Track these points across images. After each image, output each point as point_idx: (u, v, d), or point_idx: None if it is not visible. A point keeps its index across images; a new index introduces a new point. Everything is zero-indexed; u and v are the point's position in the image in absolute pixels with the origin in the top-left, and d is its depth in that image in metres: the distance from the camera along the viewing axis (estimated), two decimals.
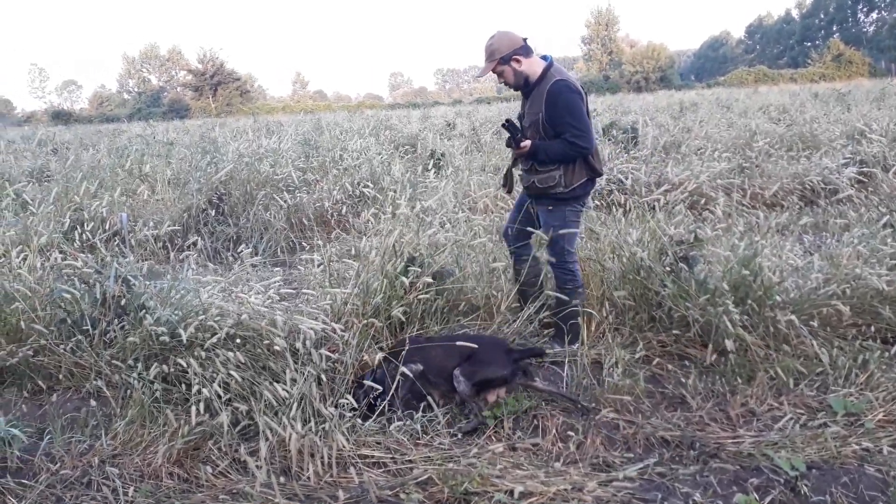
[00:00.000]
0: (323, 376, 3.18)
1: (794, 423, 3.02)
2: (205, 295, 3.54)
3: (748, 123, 10.78)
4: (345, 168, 8.11)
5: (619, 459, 2.88)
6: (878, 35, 75.10)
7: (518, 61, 3.76)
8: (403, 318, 3.59)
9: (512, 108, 22.97)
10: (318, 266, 4.00)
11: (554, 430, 3.03)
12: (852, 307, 3.61)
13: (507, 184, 4.10)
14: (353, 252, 4.12)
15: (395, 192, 7.47)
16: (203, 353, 3.16)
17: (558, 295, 3.75)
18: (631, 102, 24.61)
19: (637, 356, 3.43)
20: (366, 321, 3.49)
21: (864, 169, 7.33)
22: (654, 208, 4.77)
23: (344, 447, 2.87)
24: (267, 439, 2.83)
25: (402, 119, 19.08)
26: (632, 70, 67.29)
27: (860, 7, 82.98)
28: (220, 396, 2.97)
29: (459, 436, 3.07)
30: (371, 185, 7.28)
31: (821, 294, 3.66)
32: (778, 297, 3.59)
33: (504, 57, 3.74)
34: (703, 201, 6.58)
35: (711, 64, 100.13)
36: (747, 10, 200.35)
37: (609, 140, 10.63)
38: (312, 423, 2.92)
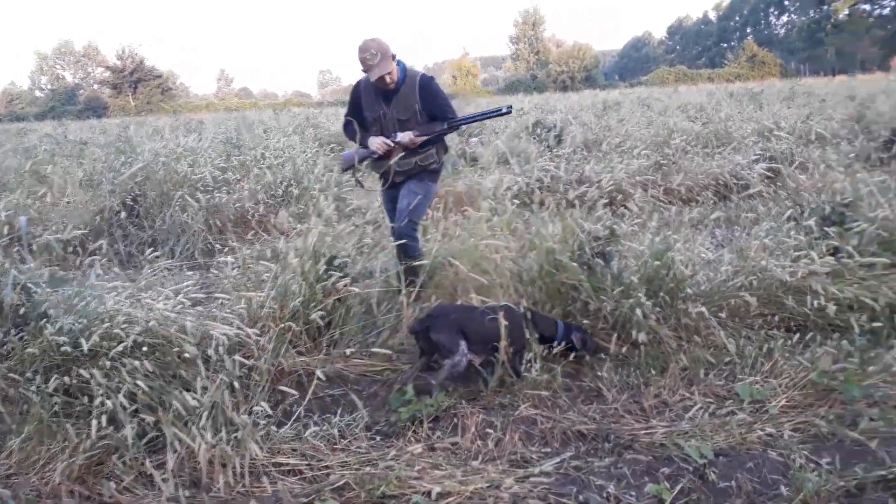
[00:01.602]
0: (236, 383, 3.07)
1: (703, 411, 3.11)
2: (110, 302, 3.38)
3: (666, 122, 11.11)
4: (267, 167, 7.93)
5: (536, 455, 2.90)
6: (789, 37, 79.02)
7: (395, 62, 4.18)
8: (321, 323, 3.51)
9: None
10: (233, 269, 3.88)
11: (473, 428, 3.02)
12: (759, 298, 3.75)
13: (386, 179, 4.44)
14: (271, 254, 4.00)
15: (318, 191, 7.40)
16: (108, 363, 3.01)
17: (413, 263, 4.17)
18: (557, 101, 25.04)
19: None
20: (283, 325, 3.41)
21: (773, 165, 7.67)
22: (573, 205, 4.86)
23: (257, 456, 2.78)
24: (175, 451, 2.71)
25: (329, 117, 18.83)
26: (558, 70, 68.63)
27: (772, 10, 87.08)
28: (124, 408, 2.83)
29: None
30: (294, 185, 7.15)
31: (730, 286, 3.80)
32: (689, 290, 3.71)
33: (392, 55, 4.12)
34: (620, 197, 6.74)
35: (634, 64, 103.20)
36: (668, 12, 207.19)
37: (534, 139, 10.79)
38: (224, 433, 2.82)
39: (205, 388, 2.94)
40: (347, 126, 4.43)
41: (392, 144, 4.25)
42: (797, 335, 3.59)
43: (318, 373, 3.08)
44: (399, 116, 4.27)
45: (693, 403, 3.19)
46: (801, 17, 78.54)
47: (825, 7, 70.61)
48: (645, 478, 2.70)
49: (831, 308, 3.53)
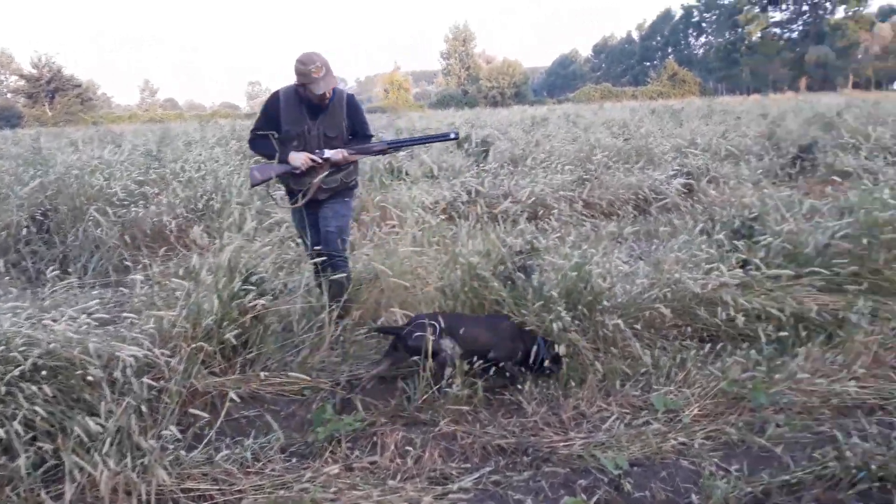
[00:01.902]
0: (144, 407, 2.94)
1: (619, 422, 3.16)
2: (7, 323, 3.18)
3: (589, 138, 11.39)
4: (187, 180, 7.69)
5: (456, 471, 2.88)
6: (707, 57, 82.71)
7: None
8: (235, 342, 3.40)
9: (368, 119, 22.96)
10: (142, 287, 3.72)
11: (393, 446, 2.98)
12: (673, 310, 3.85)
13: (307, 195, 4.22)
14: (185, 270, 3.86)
15: (240, 205, 7.22)
16: (2, 388, 2.82)
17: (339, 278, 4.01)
18: (487, 117, 25.31)
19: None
20: (195, 345, 3.28)
21: (688, 180, 7.96)
22: (497, 219, 4.90)
23: (165, 482, 2.66)
24: (74, 480, 2.56)
25: None
26: (488, 85, 69.55)
27: (691, 31, 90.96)
28: (19, 435, 2.65)
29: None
30: (215, 198, 6.96)
31: (645, 298, 3.89)
32: (606, 302, 3.77)
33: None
34: (541, 212, 6.85)
35: (562, 81, 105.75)
36: (594, 31, 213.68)
37: (463, 153, 10.87)
38: (129, 459, 2.68)
39: (110, 413, 2.80)
40: (260, 140, 4.18)
41: (321, 161, 4.11)
42: (709, 345, 3.71)
43: (232, 394, 2.98)
44: (327, 133, 4.15)
45: (610, 414, 3.24)
46: (717, 39, 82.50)
47: (739, 30, 74.37)
48: (562, 491, 2.72)
49: (740, 319, 3.66)
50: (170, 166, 8.20)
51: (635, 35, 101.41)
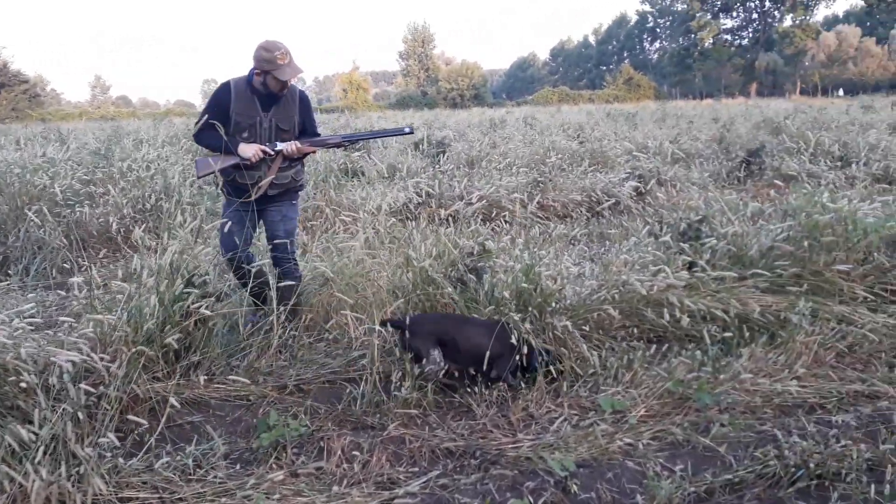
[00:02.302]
0: (81, 413, 2.84)
1: (567, 423, 3.17)
2: None
3: (544, 141, 11.48)
4: (136, 179, 7.49)
5: (403, 475, 2.85)
6: (661, 62, 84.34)
7: None
8: (177, 346, 3.31)
9: (327, 119, 22.80)
10: (82, 290, 3.60)
11: (339, 451, 2.93)
12: (621, 311, 3.89)
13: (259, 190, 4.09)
14: (126, 273, 3.74)
15: (192, 205, 7.06)
16: None
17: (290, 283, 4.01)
18: (446, 118, 25.38)
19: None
20: (136, 349, 3.18)
21: (638, 184, 8.08)
22: (450, 221, 4.89)
23: (101, 491, 2.57)
24: (4, 490, 2.46)
25: None
26: (448, 87, 69.69)
27: (645, 37, 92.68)
28: None
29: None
30: (165, 198, 6.80)
31: (594, 300, 3.92)
32: (556, 304, 3.79)
33: None
34: (494, 213, 6.87)
35: (521, 83, 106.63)
36: (551, 34, 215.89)
37: (420, 154, 10.85)
38: (64, 468, 2.58)
39: (45, 420, 2.70)
40: (207, 132, 3.99)
41: (272, 153, 4.02)
42: (655, 346, 3.75)
43: (173, 400, 2.89)
44: (280, 125, 4.07)
45: (558, 415, 3.25)
46: (671, 44, 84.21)
47: (692, 36, 76.04)
48: (509, 493, 2.71)
49: (685, 320, 3.71)
50: (117, 165, 7.97)
51: (592, 39, 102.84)
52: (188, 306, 3.37)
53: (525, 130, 15.39)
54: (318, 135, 4.28)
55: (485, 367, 3.39)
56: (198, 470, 2.82)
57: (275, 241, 4.12)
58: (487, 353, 3.36)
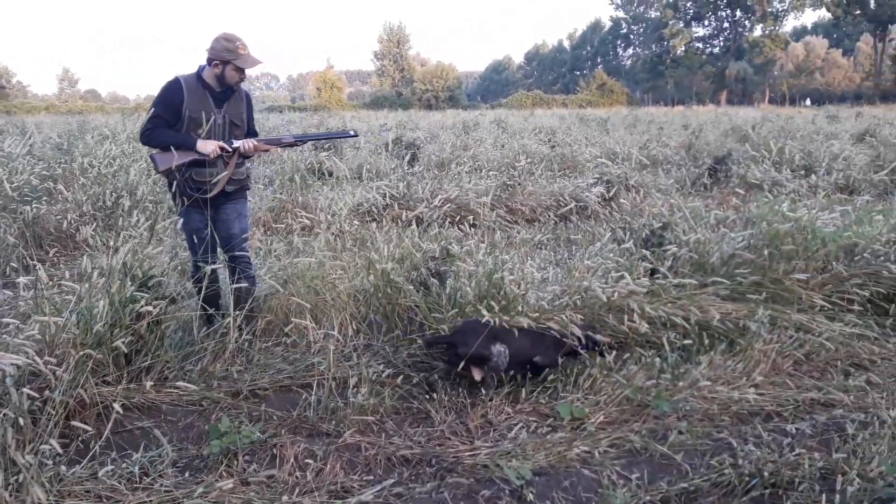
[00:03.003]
0: (23, 419, 2.73)
1: (525, 430, 3.14)
2: None
3: (514, 145, 11.50)
4: (96, 176, 7.32)
5: (358, 484, 2.79)
6: (634, 68, 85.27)
7: None
8: (126, 350, 3.20)
9: (299, 117, 22.59)
10: (29, 290, 3.48)
11: (292, 459, 2.87)
12: (584, 316, 3.87)
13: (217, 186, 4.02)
14: (77, 273, 3.63)
15: (153, 203, 6.93)
16: None
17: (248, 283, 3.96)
18: (421, 119, 25.33)
19: (384, 374, 3.38)
20: (84, 353, 3.08)
21: (602, 189, 8.11)
22: (415, 223, 4.85)
23: (41, 500, 2.47)
24: None
25: None
26: (423, 88, 69.56)
27: (619, 43, 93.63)
28: None
29: None
30: (126, 196, 6.65)
31: (556, 305, 3.90)
32: (520, 308, 3.77)
33: None
34: (458, 218, 6.83)
35: (496, 86, 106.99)
36: (526, 38, 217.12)
37: (392, 155, 10.79)
38: (1, 476, 2.49)
39: None
40: (160, 130, 3.86)
41: (230, 150, 3.96)
42: (616, 352, 3.75)
43: (117, 406, 2.80)
44: (233, 121, 4.05)
45: (517, 422, 3.22)
46: (644, 51, 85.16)
47: (665, 43, 77.02)
48: (464, 502, 2.68)
49: (643, 326, 3.71)
50: (78, 161, 7.78)
51: (566, 44, 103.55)
52: (140, 308, 3.26)
53: (497, 134, 15.40)
54: (257, 133, 4.27)
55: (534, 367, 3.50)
56: (144, 478, 2.73)
57: (232, 240, 4.06)
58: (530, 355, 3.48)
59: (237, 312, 3.74)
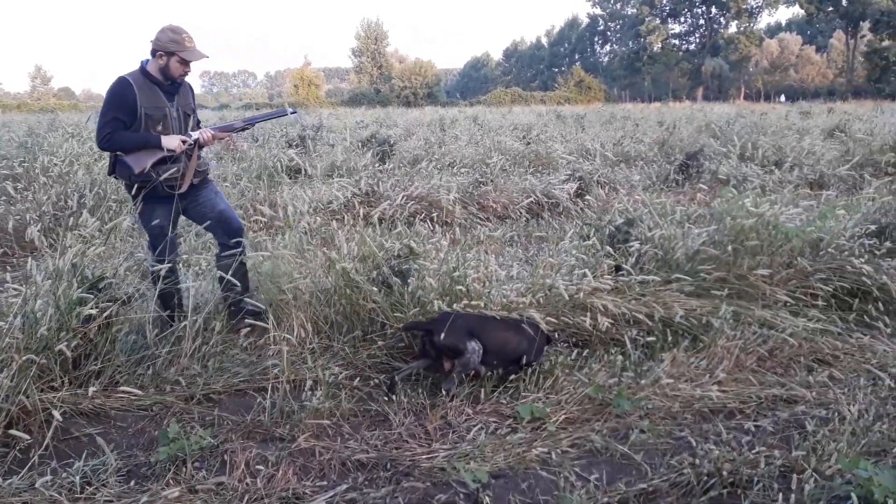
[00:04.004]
0: None
1: (485, 431, 3.08)
2: None
3: (486, 142, 11.45)
4: (58, 175, 7.16)
5: (310, 490, 2.71)
6: (611, 65, 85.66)
7: None
8: (71, 354, 3.09)
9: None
10: None
11: (243, 465, 2.78)
12: (547, 314, 3.83)
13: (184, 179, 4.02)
14: (23, 276, 3.51)
15: (117, 203, 6.78)
16: None
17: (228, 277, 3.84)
18: (398, 116, 25.22)
19: (340, 376, 3.31)
20: (27, 357, 2.97)
21: (580, 185, 8.09)
22: (384, 221, 4.77)
23: None
24: None
25: None
26: (401, 85, 69.33)
27: (596, 39, 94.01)
28: None
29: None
30: (89, 195, 6.49)
31: (520, 303, 3.84)
32: (482, 305, 3.71)
33: None
34: (433, 213, 6.78)
35: (474, 83, 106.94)
36: (504, 35, 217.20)
37: (368, 152, 10.68)
38: None
39: None
40: (120, 133, 3.76)
41: (191, 142, 3.96)
42: (578, 350, 3.70)
43: (56, 413, 2.70)
44: (186, 112, 4.05)
45: (476, 423, 3.15)
46: (621, 48, 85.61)
47: (642, 40, 77.48)
48: None
49: (604, 323, 3.67)
50: (40, 160, 7.60)
51: (544, 41, 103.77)
52: (88, 311, 3.15)
53: (475, 130, 15.33)
54: (200, 122, 4.24)
55: (519, 362, 3.46)
56: (87, 487, 2.64)
57: (223, 215, 4.15)
58: (518, 349, 3.45)
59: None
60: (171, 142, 3.84)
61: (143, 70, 3.84)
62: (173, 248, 4.01)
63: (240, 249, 4.08)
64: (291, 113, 4.48)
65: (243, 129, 4.35)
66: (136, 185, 3.83)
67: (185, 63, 3.85)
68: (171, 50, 3.77)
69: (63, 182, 7.02)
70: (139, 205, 3.85)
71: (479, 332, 3.40)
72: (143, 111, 3.79)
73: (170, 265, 3.69)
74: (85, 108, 49.66)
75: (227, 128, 4.25)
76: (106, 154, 4.06)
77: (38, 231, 3.44)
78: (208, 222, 4.13)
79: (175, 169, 3.87)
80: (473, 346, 3.35)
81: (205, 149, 4.19)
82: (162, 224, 3.90)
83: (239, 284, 3.85)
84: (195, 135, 3.99)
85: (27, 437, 2.67)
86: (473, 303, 3.68)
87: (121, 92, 3.77)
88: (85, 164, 7.24)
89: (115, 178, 4.01)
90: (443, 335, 3.28)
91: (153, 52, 3.82)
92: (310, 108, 39.64)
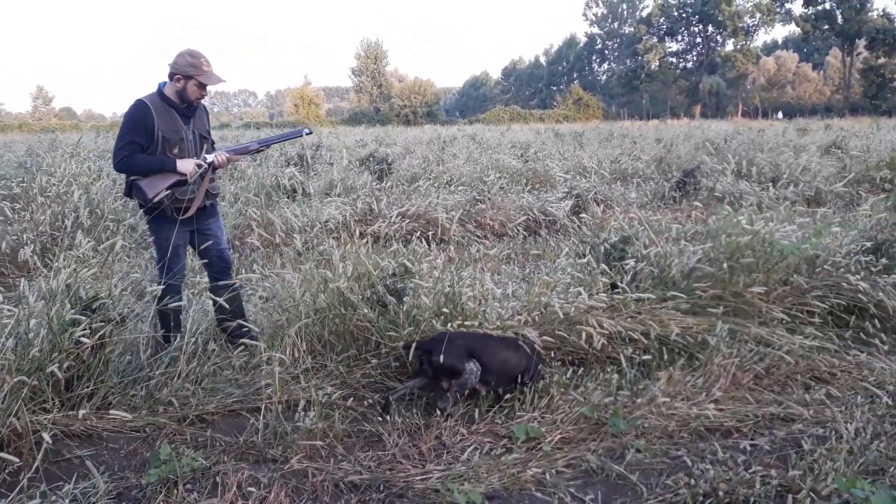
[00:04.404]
0: None
1: (479, 452, 3.06)
2: None
3: (483, 160, 11.49)
4: (56, 195, 7.17)
5: None
6: (609, 83, 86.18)
7: None
8: (63, 375, 3.07)
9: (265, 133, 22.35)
10: None
11: (235, 487, 2.76)
12: (542, 332, 3.81)
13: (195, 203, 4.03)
14: (17, 297, 3.50)
15: (115, 222, 6.79)
16: None
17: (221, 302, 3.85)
18: (398, 135, 25.34)
19: (334, 396, 3.29)
20: (18, 379, 2.95)
21: (577, 202, 8.11)
22: (381, 239, 4.77)
23: None
24: None
25: None
26: (401, 104, 69.70)
27: (594, 58, 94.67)
28: None
29: None
30: (86, 215, 6.51)
31: (515, 321, 3.83)
32: (477, 324, 3.70)
33: None
34: (425, 233, 6.77)
35: (473, 102, 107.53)
36: (503, 54, 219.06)
37: (367, 171, 10.71)
38: None
39: None
40: (138, 156, 3.76)
41: (206, 165, 3.96)
42: (573, 369, 3.69)
43: (46, 435, 2.67)
44: (202, 134, 4.07)
45: (471, 444, 3.13)
46: (619, 66, 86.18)
47: (639, 58, 78.05)
48: None
49: (599, 341, 3.65)
50: (38, 180, 7.61)
51: (543, 60, 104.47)
52: (81, 333, 3.14)
53: (473, 148, 15.39)
54: (214, 143, 4.25)
55: (518, 381, 3.46)
56: None
57: (224, 253, 4.19)
58: (517, 368, 3.45)
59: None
60: (187, 165, 3.84)
61: (160, 93, 3.86)
62: (181, 269, 4.03)
63: (234, 282, 4.11)
64: (307, 134, 4.47)
65: (258, 151, 4.30)
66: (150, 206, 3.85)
67: (203, 87, 3.85)
68: (190, 74, 3.78)
69: (60, 202, 7.02)
70: (155, 225, 3.91)
71: (478, 351, 3.39)
72: (160, 134, 3.80)
73: (178, 285, 3.73)
74: (85, 128, 49.89)
75: (241, 150, 4.23)
76: (104, 174, 4.09)
77: (32, 253, 3.42)
78: (206, 260, 4.16)
79: (189, 191, 3.90)
80: (472, 367, 3.33)
81: (218, 170, 4.19)
82: (177, 244, 3.91)
83: (233, 313, 3.90)
84: (210, 157, 3.99)
85: (17, 460, 2.65)
86: (468, 322, 3.67)
87: (139, 115, 3.77)
88: (83, 184, 7.24)
89: (132, 199, 4.01)
90: (441, 356, 3.26)
91: (171, 76, 3.83)
92: (309, 127, 39.81)
